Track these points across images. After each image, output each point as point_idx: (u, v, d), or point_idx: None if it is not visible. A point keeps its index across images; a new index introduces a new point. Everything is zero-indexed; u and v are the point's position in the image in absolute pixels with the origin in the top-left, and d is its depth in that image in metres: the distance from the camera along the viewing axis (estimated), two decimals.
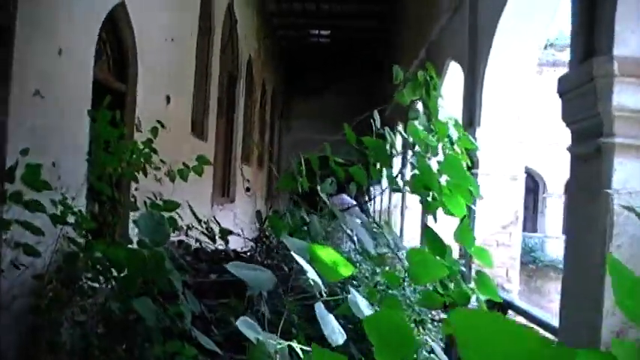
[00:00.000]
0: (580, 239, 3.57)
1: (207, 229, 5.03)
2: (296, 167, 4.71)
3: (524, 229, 28.40)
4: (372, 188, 7.94)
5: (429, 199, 4.01)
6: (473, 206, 4.60)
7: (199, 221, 5.14)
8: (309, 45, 23.07)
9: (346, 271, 2.74)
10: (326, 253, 2.77)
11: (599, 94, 3.30)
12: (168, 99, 7.72)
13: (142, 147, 4.70)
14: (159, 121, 5.07)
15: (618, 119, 3.29)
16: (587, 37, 3.53)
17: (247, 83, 14.36)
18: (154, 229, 3.48)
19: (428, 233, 3.37)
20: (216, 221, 5.30)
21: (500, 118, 6.45)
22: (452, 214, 3.87)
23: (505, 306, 4.17)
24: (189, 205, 4.88)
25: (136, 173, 4.66)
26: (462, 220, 3.55)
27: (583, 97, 3.49)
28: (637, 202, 3.28)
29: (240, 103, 13.32)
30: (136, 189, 5.05)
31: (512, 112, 6.54)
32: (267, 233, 5.25)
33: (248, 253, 5.38)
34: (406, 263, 3.79)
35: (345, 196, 9.94)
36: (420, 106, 5.39)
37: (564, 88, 3.74)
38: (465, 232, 3.29)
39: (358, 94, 23.87)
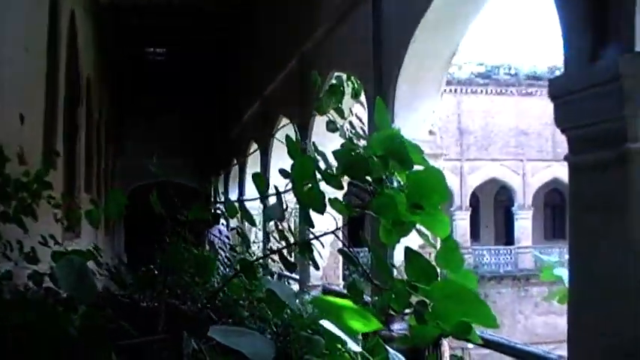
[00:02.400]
0: (601, 262, 3.16)
1: (114, 274, 4.07)
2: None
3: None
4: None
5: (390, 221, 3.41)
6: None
7: (100, 265, 4.16)
8: (143, 63, 21.80)
9: (375, 324, 2.17)
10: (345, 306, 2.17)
11: (626, 95, 2.93)
12: (22, 118, 6.48)
13: (27, 180, 3.70)
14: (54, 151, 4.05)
15: None
16: (593, 34, 3.17)
17: (87, 103, 13.00)
18: (77, 282, 2.56)
19: (413, 257, 2.80)
20: (123, 262, 4.35)
21: (413, 132, 6.06)
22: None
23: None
24: (95, 249, 3.90)
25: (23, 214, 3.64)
26: (445, 241, 2.95)
27: (597, 100, 3.10)
28: None
29: (82, 126, 11.97)
30: (26, 232, 3.95)
31: (424, 127, 6.20)
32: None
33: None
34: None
35: (221, 227, 9.15)
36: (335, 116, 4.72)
37: (563, 90, 3.37)
38: (451, 253, 2.75)
39: (196, 114, 23.00)
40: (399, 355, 2.44)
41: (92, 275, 2.58)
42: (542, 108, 28.03)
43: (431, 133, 6.27)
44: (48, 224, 4.58)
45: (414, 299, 2.41)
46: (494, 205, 31.65)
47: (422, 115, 6.24)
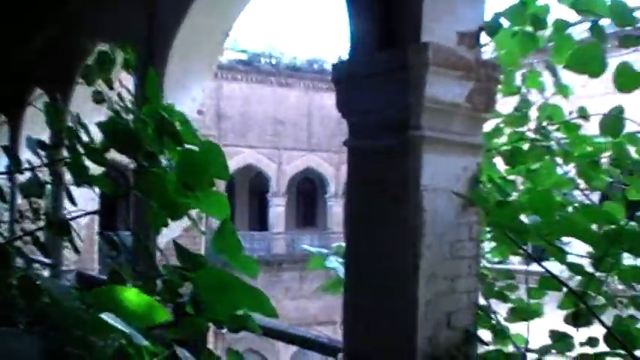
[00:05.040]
0: (378, 244, 3.22)
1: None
2: None
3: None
4: None
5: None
6: None
7: None
8: None
9: (162, 314, 1.98)
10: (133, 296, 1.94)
11: (413, 83, 3.01)
12: None
13: None
14: None
15: (427, 111, 3.04)
16: (380, 22, 3.22)
17: None
18: None
19: (180, 249, 2.63)
20: None
21: (183, 111, 5.81)
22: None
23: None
24: None
25: None
26: (223, 224, 2.80)
27: (382, 87, 3.16)
28: (443, 200, 3.10)
29: None
30: None
31: (194, 106, 5.99)
32: None
33: None
34: None
35: None
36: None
37: (348, 75, 3.38)
38: (228, 238, 2.63)
39: None
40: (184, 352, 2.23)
41: None
42: (299, 99, 29.10)
43: (200, 112, 6.08)
44: None
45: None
46: (249, 192, 32.22)
47: (192, 94, 6.02)
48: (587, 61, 2.48)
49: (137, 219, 5.69)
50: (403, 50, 3.02)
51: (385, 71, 3.11)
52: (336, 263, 3.61)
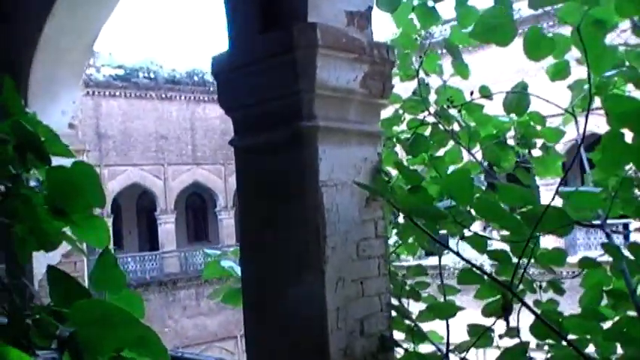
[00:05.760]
0: (277, 249, 2.89)
1: None
2: None
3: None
4: None
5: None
6: None
7: None
8: None
9: None
10: None
11: (301, 68, 2.71)
12: None
13: None
14: None
15: (320, 98, 2.77)
16: (264, 3, 2.91)
17: None
18: None
19: (57, 277, 2.23)
20: None
21: (52, 125, 5.27)
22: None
23: None
24: None
25: None
26: (102, 255, 2.40)
27: (268, 74, 2.85)
28: (344, 195, 2.82)
29: None
30: None
31: (64, 119, 5.46)
32: None
33: None
34: None
35: None
36: None
37: (228, 65, 3.04)
38: (109, 271, 2.26)
39: None
40: None
41: None
42: (181, 112, 28.30)
43: (71, 126, 5.55)
44: None
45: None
46: (137, 211, 31.01)
47: (61, 106, 5.48)
48: (495, 28, 2.27)
49: (7, 250, 5.10)
50: (288, 31, 2.72)
51: (269, 56, 2.81)
52: (231, 263, 3.28)
